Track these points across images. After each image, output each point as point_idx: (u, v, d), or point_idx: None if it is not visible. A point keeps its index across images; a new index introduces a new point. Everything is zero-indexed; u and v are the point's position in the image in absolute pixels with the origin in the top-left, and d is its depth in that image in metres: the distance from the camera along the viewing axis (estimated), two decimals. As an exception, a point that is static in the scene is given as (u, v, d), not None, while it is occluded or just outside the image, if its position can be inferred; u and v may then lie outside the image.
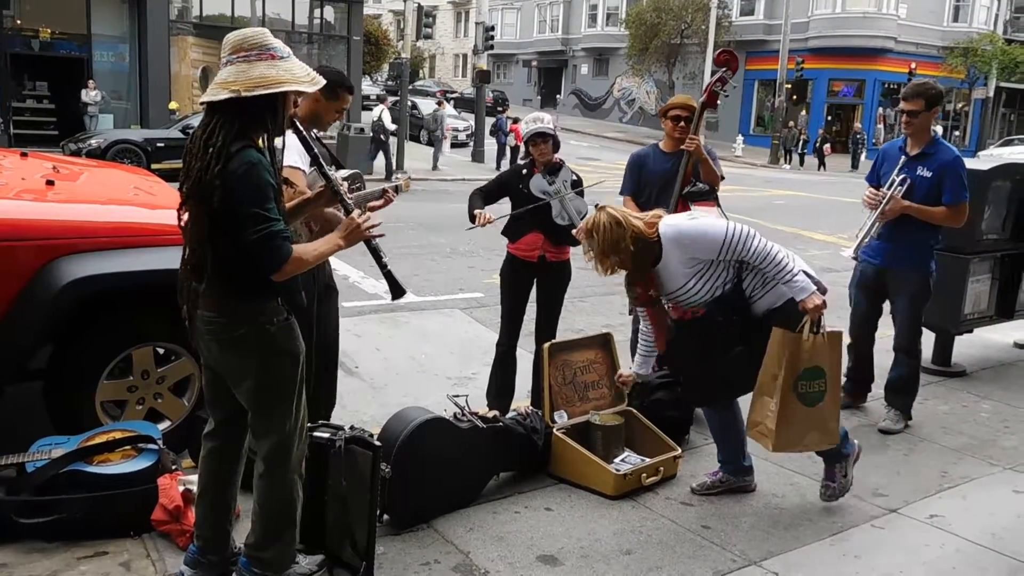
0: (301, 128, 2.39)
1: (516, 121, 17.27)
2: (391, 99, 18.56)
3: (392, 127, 16.28)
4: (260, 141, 2.13)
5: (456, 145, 21.63)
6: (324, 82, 2.20)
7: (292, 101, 2.20)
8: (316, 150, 2.45)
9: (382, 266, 2.44)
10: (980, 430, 4.10)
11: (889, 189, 3.86)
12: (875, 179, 4.04)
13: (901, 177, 3.87)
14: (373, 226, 2.28)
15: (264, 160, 2.10)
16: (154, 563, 2.54)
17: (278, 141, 2.23)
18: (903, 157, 3.93)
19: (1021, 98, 33.21)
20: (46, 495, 2.62)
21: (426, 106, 25.00)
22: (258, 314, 2.16)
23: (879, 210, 3.85)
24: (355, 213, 2.29)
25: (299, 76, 2.10)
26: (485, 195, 3.80)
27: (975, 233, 4.65)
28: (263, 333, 2.16)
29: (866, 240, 3.92)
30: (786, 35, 24.39)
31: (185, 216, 2.15)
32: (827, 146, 25.29)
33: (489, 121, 20.62)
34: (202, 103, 2.10)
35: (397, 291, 2.45)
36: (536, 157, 3.74)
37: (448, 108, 18.43)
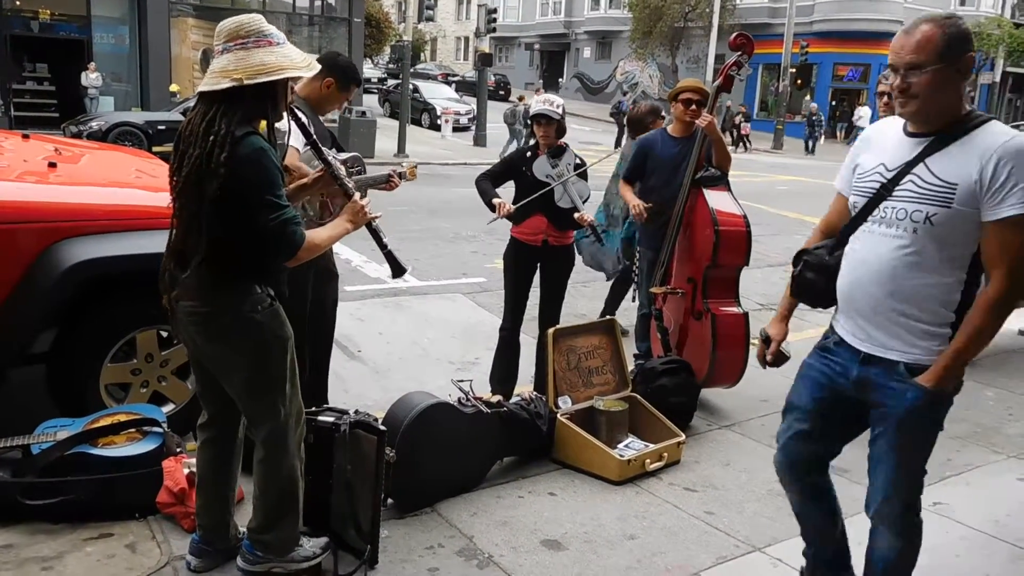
0: (298, 113, 2.37)
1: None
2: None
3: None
4: (260, 127, 2.12)
5: (458, 129, 21.53)
6: (319, 67, 2.19)
7: (290, 87, 2.18)
8: (314, 134, 2.44)
9: (383, 246, 2.48)
10: (984, 417, 4.10)
11: None
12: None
13: None
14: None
15: (270, 146, 2.09)
16: (159, 545, 2.54)
17: (278, 126, 2.22)
18: None
19: (1028, 83, 32.96)
20: (51, 477, 2.62)
21: (428, 89, 24.83)
22: (242, 302, 2.14)
23: None
24: (356, 195, 2.31)
25: (297, 62, 2.09)
26: (494, 179, 3.77)
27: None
28: (249, 321, 2.14)
29: None
30: (791, 18, 24.15)
31: (176, 205, 2.13)
32: (745, 124, 23.98)
33: (492, 105, 20.47)
34: (201, 92, 2.07)
35: (398, 270, 2.51)
36: (539, 139, 3.71)
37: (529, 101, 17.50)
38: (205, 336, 2.17)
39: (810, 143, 24.21)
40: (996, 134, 1.86)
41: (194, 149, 2.02)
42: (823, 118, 25.48)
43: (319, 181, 2.43)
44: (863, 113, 27.43)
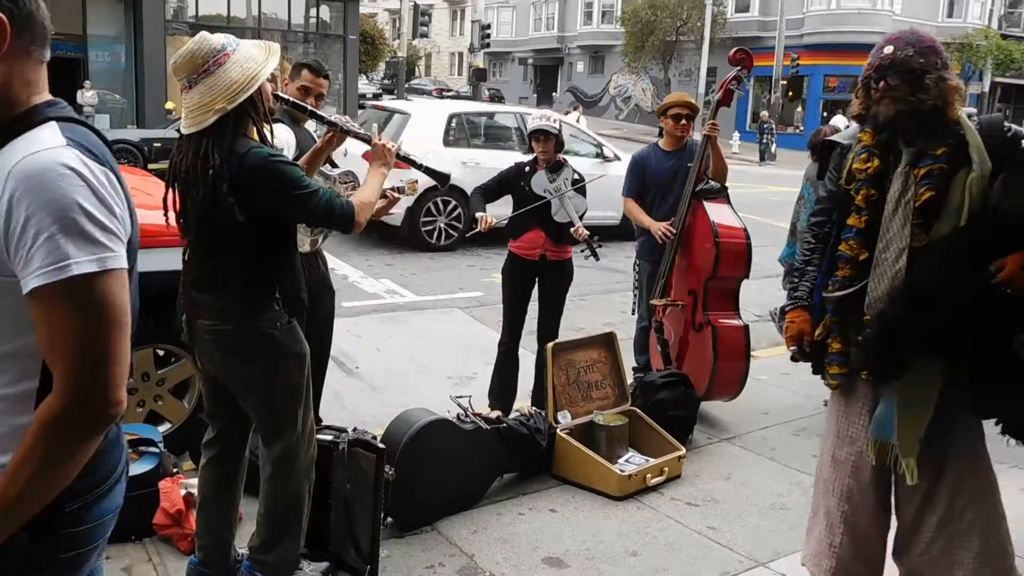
0: (285, 96, 2.41)
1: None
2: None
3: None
4: (254, 134, 2.12)
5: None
6: (278, 46, 2.20)
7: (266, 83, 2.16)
8: (309, 108, 2.49)
9: (418, 165, 2.59)
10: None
11: None
12: None
13: None
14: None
15: (271, 148, 2.11)
16: (156, 568, 2.51)
17: (276, 144, 2.24)
18: None
19: (1016, 93, 33.26)
20: (46, 500, 2.58)
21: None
22: (261, 319, 2.15)
23: None
24: (374, 137, 2.38)
25: (259, 57, 2.07)
26: (487, 193, 3.79)
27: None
28: (268, 338, 2.15)
29: None
30: (781, 31, 24.39)
31: (190, 241, 2.15)
32: None
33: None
34: (190, 134, 2.04)
35: (442, 178, 2.61)
36: (538, 154, 3.74)
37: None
38: (225, 352, 2.17)
39: (763, 152, 24.14)
40: (30, 142, 1.09)
41: (198, 189, 2.02)
42: (773, 126, 25.51)
43: (332, 141, 2.49)
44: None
